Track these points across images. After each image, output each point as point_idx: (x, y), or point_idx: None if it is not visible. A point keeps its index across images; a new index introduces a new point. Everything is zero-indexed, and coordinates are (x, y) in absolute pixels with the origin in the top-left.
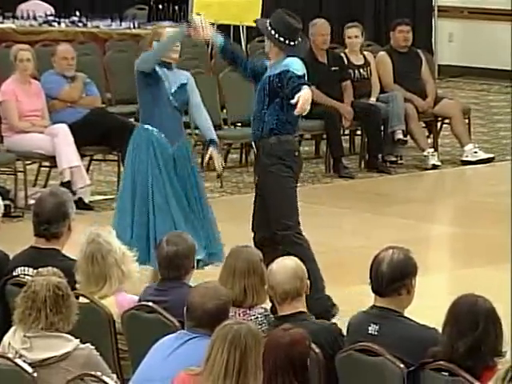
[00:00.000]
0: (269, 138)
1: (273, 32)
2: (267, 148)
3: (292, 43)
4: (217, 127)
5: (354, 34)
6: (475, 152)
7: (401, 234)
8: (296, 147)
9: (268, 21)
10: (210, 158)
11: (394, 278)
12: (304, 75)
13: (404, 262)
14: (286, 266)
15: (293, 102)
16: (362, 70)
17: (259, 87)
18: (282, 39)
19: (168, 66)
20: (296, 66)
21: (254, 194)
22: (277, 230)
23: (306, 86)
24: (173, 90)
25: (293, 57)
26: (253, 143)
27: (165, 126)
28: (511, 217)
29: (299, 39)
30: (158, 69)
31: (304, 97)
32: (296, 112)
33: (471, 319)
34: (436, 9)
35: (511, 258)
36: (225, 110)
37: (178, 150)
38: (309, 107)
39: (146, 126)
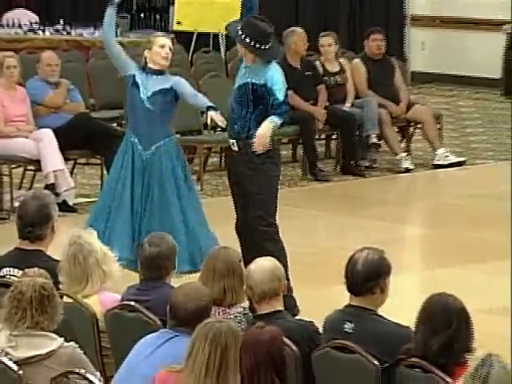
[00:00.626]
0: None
1: (243, 37)
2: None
3: (264, 47)
4: (196, 132)
5: (327, 42)
6: (446, 156)
7: (375, 236)
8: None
9: (239, 26)
10: (211, 120)
11: (368, 277)
12: (285, 90)
13: (378, 262)
14: (263, 266)
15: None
16: (337, 77)
17: (242, 91)
18: (254, 44)
19: (157, 72)
20: (278, 83)
21: (233, 195)
22: (259, 224)
23: (272, 118)
24: (148, 94)
25: (270, 62)
26: (233, 141)
27: (138, 131)
28: (511, 218)
29: (272, 42)
30: (137, 74)
31: (260, 135)
32: (255, 149)
33: (444, 317)
34: (409, 18)
35: (511, 258)
36: (205, 116)
37: (151, 155)
38: (267, 141)
39: (127, 131)
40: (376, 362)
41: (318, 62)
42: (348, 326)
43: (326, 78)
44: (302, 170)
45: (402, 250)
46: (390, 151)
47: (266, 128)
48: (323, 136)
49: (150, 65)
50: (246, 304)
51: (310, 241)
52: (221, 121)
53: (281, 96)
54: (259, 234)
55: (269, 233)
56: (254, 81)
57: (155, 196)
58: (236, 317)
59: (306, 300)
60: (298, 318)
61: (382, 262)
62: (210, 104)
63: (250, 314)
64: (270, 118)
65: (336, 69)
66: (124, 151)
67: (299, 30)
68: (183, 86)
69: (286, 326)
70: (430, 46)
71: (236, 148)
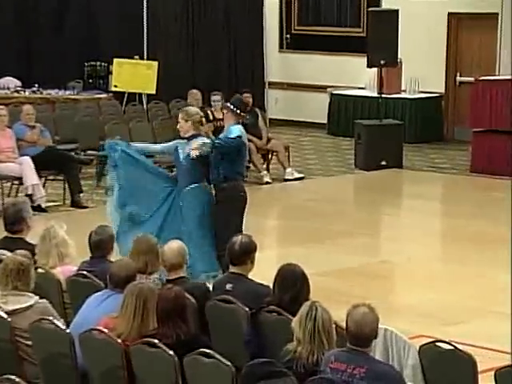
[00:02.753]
0: (225, 182)
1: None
2: (227, 190)
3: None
4: (152, 156)
5: (217, 99)
6: (292, 173)
7: (247, 226)
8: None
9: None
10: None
11: (242, 252)
12: (237, 136)
13: (249, 242)
14: (173, 247)
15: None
16: (221, 122)
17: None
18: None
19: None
20: (234, 131)
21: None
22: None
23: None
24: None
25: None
26: (213, 187)
27: (179, 181)
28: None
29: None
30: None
31: (196, 144)
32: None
33: (292, 279)
34: (267, 82)
35: (511, 254)
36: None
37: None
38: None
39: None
40: (247, 309)
41: (209, 111)
42: (229, 286)
43: (214, 122)
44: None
45: (263, 235)
46: (255, 170)
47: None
48: None
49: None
50: (163, 272)
51: None
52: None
53: (232, 134)
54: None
55: (224, 259)
56: (226, 135)
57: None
58: (154, 281)
59: None
60: (195, 281)
61: (251, 242)
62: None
63: (164, 278)
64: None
65: (220, 116)
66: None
67: (195, 90)
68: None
69: (186, 286)
70: (281, 101)
71: (215, 192)
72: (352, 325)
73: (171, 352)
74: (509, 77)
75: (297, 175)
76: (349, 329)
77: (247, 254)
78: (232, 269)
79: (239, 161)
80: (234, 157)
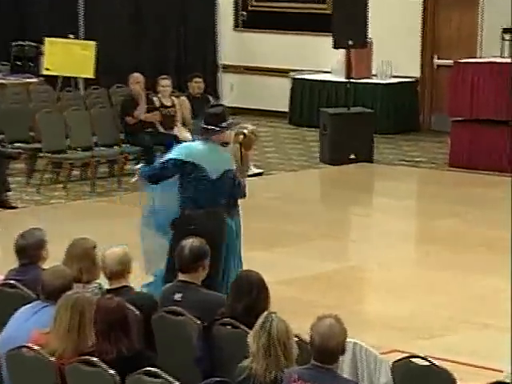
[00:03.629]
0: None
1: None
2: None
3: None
4: (62, 151)
5: (166, 84)
6: (250, 168)
7: None
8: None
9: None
10: None
11: (193, 259)
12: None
13: (200, 247)
14: (114, 253)
15: None
16: (170, 110)
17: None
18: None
19: None
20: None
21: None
22: None
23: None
24: None
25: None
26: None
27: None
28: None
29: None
30: None
31: None
32: None
33: (247, 288)
34: (220, 66)
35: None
36: (69, 139)
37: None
38: None
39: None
40: (198, 322)
41: (155, 98)
42: (178, 296)
43: (161, 109)
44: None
45: None
46: None
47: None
48: (159, 153)
49: None
50: (102, 281)
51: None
52: None
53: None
54: None
55: None
56: None
57: None
58: (93, 290)
59: (146, 276)
60: (138, 291)
61: (202, 247)
62: None
63: (104, 288)
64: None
65: (169, 103)
66: None
67: (136, 74)
68: None
69: (130, 297)
70: (236, 87)
71: None
72: (317, 338)
73: (112, 371)
74: (491, 59)
75: (255, 170)
76: (313, 343)
77: (198, 260)
78: (181, 276)
79: None
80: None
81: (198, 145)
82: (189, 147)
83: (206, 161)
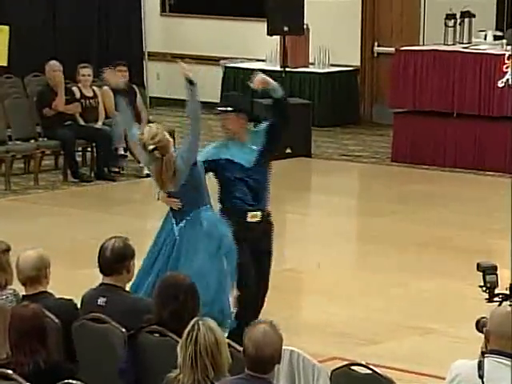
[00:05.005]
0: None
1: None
2: None
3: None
4: (4, 142)
5: (87, 73)
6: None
7: (124, 227)
8: None
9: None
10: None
11: (115, 260)
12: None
13: (123, 248)
14: (28, 257)
15: None
16: (91, 101)
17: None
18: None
19: None
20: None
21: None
22: None
23: None
24: None
25: None
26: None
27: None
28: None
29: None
30: None
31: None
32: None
33: (173, 292)
34: (146, 53)
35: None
36: (10, 129)
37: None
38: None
39: None
40: (123, 330)
41: (75, 88)
42: (101, 300)
43: (82, 100)
44: (64, 176)
45: (144, 237)
46: (134, 160)
47: None
48: (80, 148)
49: None
50: (17, 287)
51: (69, 234)
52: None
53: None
54: None
55: None
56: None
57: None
58: (7, 297)
59: (65, 281)
60: (58, 297)
61: (126, 247)
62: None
63: (20, 294)
64: None
65: (90, 94)
66: None
67: (53, 61)
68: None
69: (48, 303)
70: (163, 76)
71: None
72: (250, 346)
73: None
74: (435, 46)
75: None
76: (246, 351)
77: (121, 261)
78: (104, 280)
79: None
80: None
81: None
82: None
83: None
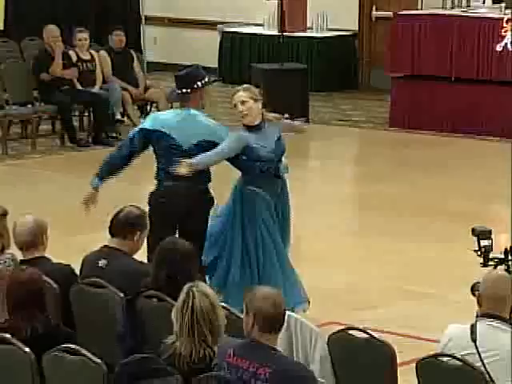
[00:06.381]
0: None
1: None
2: None
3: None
4: (0, 107)
5: (83, 37)
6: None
7: (121, 193)
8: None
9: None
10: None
11: (127, 223)
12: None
13: (138, 216)
14: (25, 222)
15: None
16: (88, 64)
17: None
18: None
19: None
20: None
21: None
22: None
23: None
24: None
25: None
26: None
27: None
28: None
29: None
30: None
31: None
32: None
33: (171, 254)
34: (143, 17)
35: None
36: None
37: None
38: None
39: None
40: (121, 295)
41: (72, 52)
42: (102, 262)
43: (79, 64)
44: (61, 140)
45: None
46: (131, 125)
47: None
48: (77, 113)
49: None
50: (14, 251)
51: (66, 199)
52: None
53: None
54: None
55: None
56: None
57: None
58: (5, 262)
59: (62, 246)
60: (56, 262)
61: (141, 217)
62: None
63: (18, 259)
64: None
65: (87, 57)
66: None
67: (51, 26)
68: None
69: (45, 268)
70: (160, 41)
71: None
72: (268, 305)
73: (27, 349)
74: (433, 11)
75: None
76: (262, 311)
77: (131, 226)
78: (110, 242)
79: None
80: None
81: (169, 113)
82: (156, 116)
83: (175, 128)
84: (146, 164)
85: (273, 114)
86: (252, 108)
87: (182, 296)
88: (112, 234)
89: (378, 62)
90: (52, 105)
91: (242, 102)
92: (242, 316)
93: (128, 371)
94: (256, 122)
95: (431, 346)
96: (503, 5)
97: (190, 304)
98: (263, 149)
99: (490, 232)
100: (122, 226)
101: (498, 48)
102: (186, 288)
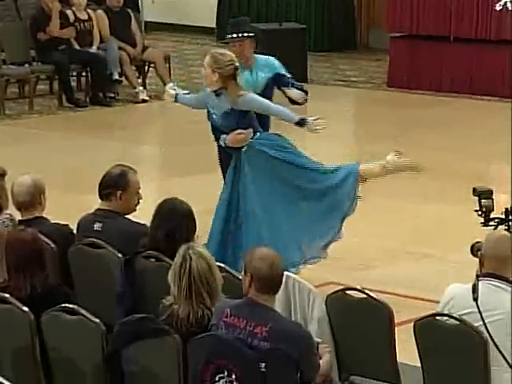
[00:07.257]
0: None
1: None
2: None
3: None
4: None
5: None
6: (174, 89)
7: (119, 153)
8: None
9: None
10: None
11: (105, 185)
12: None
13: (116, 176)
14: (23, 182)
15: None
16: (86, 23)
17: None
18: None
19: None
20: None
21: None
22: None
23: None
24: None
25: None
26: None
27: None
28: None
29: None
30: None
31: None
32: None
33: (168, 216)
34: None
35: None
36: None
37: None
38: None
39: None
40: (119, 255)
41: (69, 11)
42: (97, 226)
43: (76, 24)
44: (58, 101)
45: (140, 165)
46: (129, 85)
47: None
48: (75, 73)
49: None
50: (11, 211)
51: (64, 159)
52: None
53: None
54: None
55: None
56: None
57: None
58: (4, 222)
59: (60, 206)
60: (54, 222)
61: (119, 177)
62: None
63: (16, 219)
64: None
65: (85, 17)
66: None
67: None
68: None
69: (43, 228)
70: (158, 0)
71: None
72: (265, 266)
73: (25, 308)
74: None
75: (179, 91)
76: (260, 271)
77: (108, 187)
78: (101, 205)
79: None
80: None
81: None
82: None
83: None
84: (145, 123)
85: (296, 92)
86: (206, 75)
87: (178, 258)
88: (100, 198)
89: (377, 21)
90: (49, 65)
91: (204, 66)
92: (240, 276)
93: (126, 331)
94: (212, 89)
95: (430, 306)
96: None
97: (188, 266)
98: (212, 115)
99: (491, 192)
100: (103, 188)
101: (497, 7)
102: (182, 250)
